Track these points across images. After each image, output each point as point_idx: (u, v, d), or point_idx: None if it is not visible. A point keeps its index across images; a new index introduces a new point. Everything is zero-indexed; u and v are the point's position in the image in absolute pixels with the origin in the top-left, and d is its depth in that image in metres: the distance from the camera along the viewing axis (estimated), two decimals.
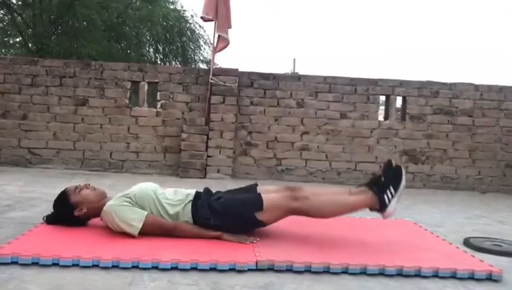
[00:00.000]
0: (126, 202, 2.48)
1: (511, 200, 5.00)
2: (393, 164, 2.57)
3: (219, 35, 5.46)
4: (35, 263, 2.05)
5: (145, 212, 2.46)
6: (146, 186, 2.62)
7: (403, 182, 2.53)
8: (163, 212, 2.50)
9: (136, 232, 2.40)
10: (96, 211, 2.55)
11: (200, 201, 2.54)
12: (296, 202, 2.50)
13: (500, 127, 5.61)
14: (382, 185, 2.52)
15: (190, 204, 2.53)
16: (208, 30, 15.25)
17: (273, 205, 2.51)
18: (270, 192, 2.60)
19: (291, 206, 2.50)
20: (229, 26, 5.50)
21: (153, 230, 2.44)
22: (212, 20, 5.41)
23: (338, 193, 2.65)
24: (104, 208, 2.48)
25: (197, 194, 2.60)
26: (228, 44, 5.49)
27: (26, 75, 5.45)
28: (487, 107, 5.61)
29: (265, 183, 5.08)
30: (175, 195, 2.59)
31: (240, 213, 2.49)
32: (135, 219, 2.41)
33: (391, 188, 2.51)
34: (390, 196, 2.50)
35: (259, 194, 2.56)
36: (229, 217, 2.48)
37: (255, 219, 2.49)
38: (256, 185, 2.74)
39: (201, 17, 5.54)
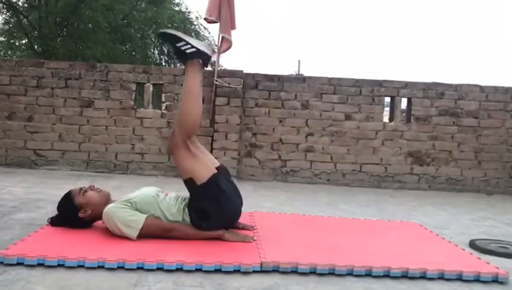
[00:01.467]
0: (127, 205, 2.49)
1: None
2: (158, 36, 2.77)
3: (222, 37, 5.46)
4: (41, 264, 2.06)
5: (145, 215, 2.46)
6: (147, 192, 2.62)
7: (173, 31, 2.63)
8: (163, 218, 2.51)
9: (135, 235, 2.40)
10: (101, 213, 2.55)
11: (190, 208, 2.54)
12: (172, 146, 2.55)
13: (506, 129, 5.58)
14: (178, 52, 2.59)
15: (187, 209, 2.54)
16: (212, 32, 15.29)
17: (182, 167, 2.53)
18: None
19: (175, 148, 2.52)
20: (233, 27, 5.49)
21: (153, 232, 2.44)
22: (216, 22, 5.41)
23: (182, 93, 2.78)
24: (105, 210, 2.48)
25: (189, 200, 2.60)
26: (231, 45, 5.49)
27: (32, 77, 5.48)
28: (493, 108, 5.58)
29: (270, 185, 5.10)
30: (176, 201, 2.60)
31: (201, 199, 2.48)
32: (135, 221, 2.42)
33: (179, 44, 2.55)
34: (187, 46, 2.56)
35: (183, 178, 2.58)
36: (207, 212, 2.47)
37: (204, 184, 2.47)
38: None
39: (205, 19, 5.54)
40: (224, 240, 2.48)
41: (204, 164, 2.55)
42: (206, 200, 2.47)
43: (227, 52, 5.59)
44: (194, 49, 2.55)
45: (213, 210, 2.47)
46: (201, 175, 2.49)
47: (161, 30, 2.75)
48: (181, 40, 2.55)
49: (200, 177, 2.48)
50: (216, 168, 2.55)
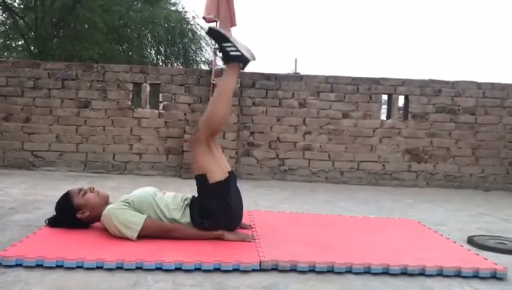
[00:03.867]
0: (125, 206, 2.48)
1: None
2: (206, 31, 2.76)
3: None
4: (39, 265, 2.05)
5: (145, 216, 2.46)
6: (145, 191, 2.62)
7: (222, 31, 2.66)
8: (162, 217, 2.50)
9: (134, 235, 2.40)
10: (99, 215, 2.54)
11: (193, 206, 2.54)
12: (195, 140, 2.59)
13: (503, 125, 5.60)
14: (223, 51, 2.61)
15: (188, 208, 2.53)
16: None
17: (199, 163, 2.53)
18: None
19: (198, 144, 2.54)
20: (234, 25, 5.46)
21: (152, 232, 2.43)
22: (215, 21, 5.40)
23: (216, 89, 2.76)
24: (104, 211, 2.48)
25: (193, 199, 2.60)
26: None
27: (29, 78, 5.47)
28: (490, 105, 5.60)
29: (268, 184, 5.10)
30: (174, 199, 2.59)
31: (209, 198, 2.48)
32: (134, 222, 2.41)
33: (224, 44, 2.58)
34: (232, 48, 2.57)
35: (194, 176, 2.59)
36: (213, 212, 2.47)
37: (216, 183, 2.48)
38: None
39: (203, 18, 5.51)
40: (224, 239, 2.48)
41: (220, 165, 2.57)
42: (214, 199, 2.48)
43: None
44: (238, 53, 2.57)
45: (218, 211, 2.48)
46: (215, 174, 2.50)
47: (211, 27, 2.78)
48: (228, 41, 2.57)
49: (213, 176, 2.50)
50: (228, 172, 2.57)
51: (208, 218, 2.48)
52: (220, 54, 2.64)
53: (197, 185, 2.58)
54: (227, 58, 2.61)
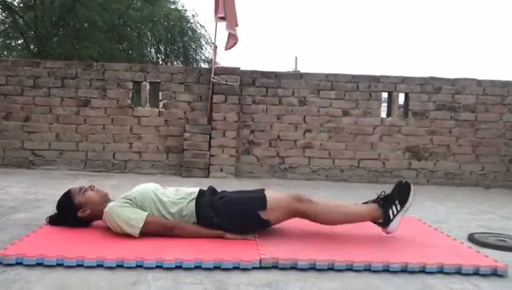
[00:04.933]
0: (127, 203, 2.48)
1: None
2: (404, 182, 2.63)
3: (229, 33, 5.44)
4: (39, 264, 2.05)
5: (146, 213, 2.46)
6: (146, 187, 2.62)
7: (410, 200, 2.57)
8: (164, 212, 2.50)
9: (137, 232, 2.40)
10: (99, 213, 2.54)
11: (204, 199, 2.54)
12: (300, 204, 2.52)
13: (504, 122, 5.59)
14: (389, 200, 2.57)
15: (194, 201, 2.52)
16: (209, 30, 15.21)
17: (277, 205, 2.52)
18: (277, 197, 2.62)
19: (295, 206, 2.52)
20: (237, 24, 5.48)
21: (154, 230, 2.43)
22: (224, 19, 5.40)
23: (345, 204, 2.71)
24: (105, 209, 2.48)
25: (201, 192, 2.60)
26: (237, 41, 5.48)
27: (28, 77, 5.46)
28: (490, 102, 5.59)
29: (268, 182, 5.10)
30: (176, 193, 2.59)
31: (242, 211, 2.49)
32: (136, 219, 2.41)
33: (397, 204, 2.55)
34: (395, 211, 2.55)
35: (263, 192, 2.57)
36: (231, 215, 2.48)
37: (258, 218, 2.49)
38: (264, 189, 2.74)
39: (220, 17, 5.43)
40: (225, 238, 2.48)
41: (276, 220, 2.57)
42: (242, 214, 2.49)
43: (233, 48, 5.56)
44: (392, 217, 2.54)
45: (234, 218, 2.49)
46: (268, 216, 2.51)
47: (408, 183, 2.63)
48: (403, 206, 2.55)
49: (266, 214, 2.50)
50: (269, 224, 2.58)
51: (219, 213, 2.48)
52: (385, 198, 2.57)
53: (251, 193, 2.65)
54: (384, 207, 2.55)
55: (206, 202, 2.53)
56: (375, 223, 2.61)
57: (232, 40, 5.47)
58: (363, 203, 2.68)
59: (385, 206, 2.56)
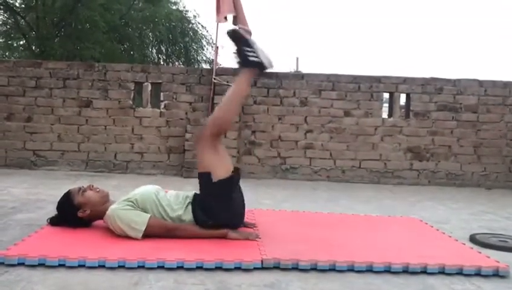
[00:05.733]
0: (129, 205, 2.48)
1: None
2: (229, 32, 2.67)
3: (240, 28, 5.39)
4: (41, 264, 2.06)
5: (148, 215, 2.46)
6: (147, 190, 2.62)
7: (245, 34, 2.61)
8: (165, 215, 2.51)
9: (139, 235, 2.40)
10: (100, 213, 2.55)
11: (196, 204, 2.54)
12: (202, 137, 2.56)
13: (505, 123, 5.58)
14: (241, 55, 2.58)
15: (190, 207, 2.53)
16: (210, 30, 15.23)
17: (205, 161, 2.54)
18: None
19: (204, 141, 2.54)
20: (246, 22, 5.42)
21: (156, 232, 2.43)
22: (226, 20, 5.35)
23: (228, 95, 2.69)
24: (107, 212, 2.48)
25: (195, 196, 2.60)
26: (251, 35, 5.42)
27: (30, 78, 5.47)
28: (492, 103, 5.59)
29: (270, 183, 5.10)
30: (176, 198, 2.60)
31: (212, 196, 2.49)
32: (138, 222, 2.42)
33: (244, 48, 2.56)
34: (251, 53, 2.55)
35: (198, 173, 2.60)
36: (214, 209, 2.48)
37: (219, 182, 2.48)
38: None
39: (225, 18, 5.39)
40: (228, 238, 2.48)
41: (224, 164, 2.57)
42: (215, 197, 2.49)
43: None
44: (257, 59, 2.55)
45: (218, 208, 2.49)
46: (219, 172, 2.50)
47: (235, 29, 2.69)
48: (249, 45, 2.55)
49: (217, 174, 2.50)
50: (232, 171, 2.56)
51: (209, 216, 2.49)
52: (237, 57, 2.60)
53: (200, 183, 2.59)
54: (245, 63, 2.58)
55: (198, 207, 2.53)
56: (261, 76, 2.65)
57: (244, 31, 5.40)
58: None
59: (244, 61, 2.57)
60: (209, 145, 2.53)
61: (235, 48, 2.62)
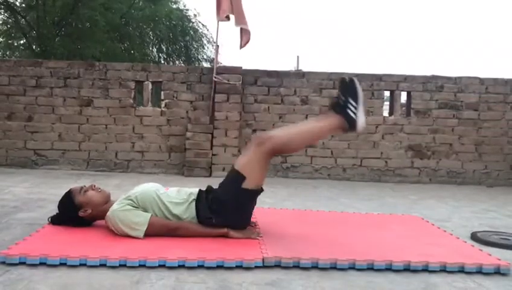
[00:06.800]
0: (129, 205, 2.47)
1: None
2: (346, 79, 2.58)
3: (241, 29, 5.39)
4: (43, 263, 2.05)
5: (149, 215, 2.45)
6: (148, 187, 2.62)
7: (360, 91, 2.52)
8: (166, 212, 2.50)
9: (141, 235, 2.40)
10: (101, 213, 2.54)
11: (201, 200, 2.54)
12: (263, 146, 2.47)
13: (506, 121, 5.58)
14: (343, 103, 2.52)
15: (194, 203, 2.52)
16: (211, 29, 15.22)
17: (250, 165, 2.48)
18: (243, 157, 2.59)
19: (262, 151, 2.47)
20: (246, 21, 5.40)
21: (157, 232, 2.43)
22: (228, 19, 5.35)
23: (304, 123, 2.70)
24: (108, 213, 2.48)
25: (200, 193, 2.60)
26: (250, 37, 5.40)
27: (31, 77, 5.47)
28: (493, 100, 5.58)
29: (271, 181, 5.10)
30: (178, 194, 2.58)
31: (232, 197, 2.47)
32: (139, 223, 2.41)
33: (351, 101, 2.50)
34: (353, 108, 2.49)
35: (233, 166, 2.55)
36: (227, 209, 2.47)
37: (246, 191, 2.47)
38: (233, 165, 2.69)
39: (226, 16, 5.36)
40: (229, 237, 2.47)
41: (260, 179, 2.54)
42: (234, 199, 2.47)
43: (247, 44, 5.47)
44: (354, 117, 2.48)
45: (231, 210, 2.47)
46: (251, 183, 2.47)
47: (352, 78, 2.56)
48: (357, 100, 2.49)
49: (249, 183, 2.46)
50: (261, 187, 2.56)
51: (217, 212, 2.48)
52: (337, 103, 2.52)
53: (228, 178, 2.56)
54: (341, 113, 2.49)
55: (204, 203, 2.52)
56: (344, 132, 2.56)
57: (245, 36, 5.39)
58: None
59: (342, 109, 2.50)
60: (263, 156, 2.49)
61: (342, 94, 2.54)
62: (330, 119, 2.56)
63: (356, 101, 2.50)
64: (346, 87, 2.55)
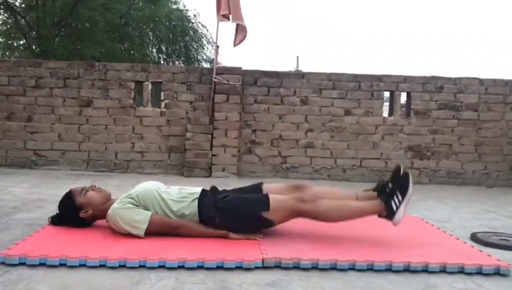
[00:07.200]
0: (130, 203, 2.48)
1: None
2: (402, 170, 2.55)
3: (237, 25, 5.36)
4: (42, 264, 2.06)
5: (150, 213, 2.46)
6: (149, 185, 2.62)
7: (410, 189, 2.51)
8: (167, 210, 2.50)
9: (141, 233, 2.40)
10: (102, 213, 2.55)
11: (206, 199, 2.54)
12: (303, 205, 2.49)
13: (506, 121, 5.58)
14: (389, 192, 2.51)
15: (196, 201, 2.52)
16: (210, 29, 15.22)
17: (280, 206, 2.50)
18: (277, 191, 2.61)
19: (299, 208, 2.50)
20: (243, 19, 5.38)
21: (158, 230, 2.43)
22: (228, 18, 5.32)
23: (345, 198, 2.66)
24: (109, 211, 2.48)
25: (203, 192, 2.60)
26: (246, 34, 5.37)
27: (31, 77, 5.47)
28: (492, 101, 5.58)
29: (270, 182, 5.09)
30: (180, 192, 2.59)
31: (246, 212, 2.48)
32: (140, 221, 2.42)
33: (398, 194, 2.50)
34: (397, 202, 2.49)
35: (267, 194, 2.56)
36: (235, 216, 2.48)
37: (261, 218, 2.48)
38: (262, 183, 2.74)
39: (223, 15, 5.33)
40: (230, 238, 2.47)
41: (280, 221, 2.55)
42: (245, 217, 2.48)
43: (242, 42, 5.42)
44: (394, 209, 2.47)
45: (241, 219, 2.48)
46: (272, 217, 2.49)
47: (407, 172, 2.54)
48: (403, 197, 2.48)
49: (270, 215, 2.48)
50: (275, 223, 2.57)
51: (221, 213, 2.48)
52: (385, 191, 2.52)
53: (252, 194, 2.62)
54: (385, 201, 2.49)
55: (209, 202, 2.52)
56: (379, 217, 2.57)
57: (240, 34, 5.35)
58: (363, 191, 2.67)
59: (387, 198, 2.51)
60: (296, 211, 2.50)
61: (391, 182, 2.53)
62: (372, 203, 2.56)
63: (403, 196, 2.49)
64: (398, 178, 2.54)
